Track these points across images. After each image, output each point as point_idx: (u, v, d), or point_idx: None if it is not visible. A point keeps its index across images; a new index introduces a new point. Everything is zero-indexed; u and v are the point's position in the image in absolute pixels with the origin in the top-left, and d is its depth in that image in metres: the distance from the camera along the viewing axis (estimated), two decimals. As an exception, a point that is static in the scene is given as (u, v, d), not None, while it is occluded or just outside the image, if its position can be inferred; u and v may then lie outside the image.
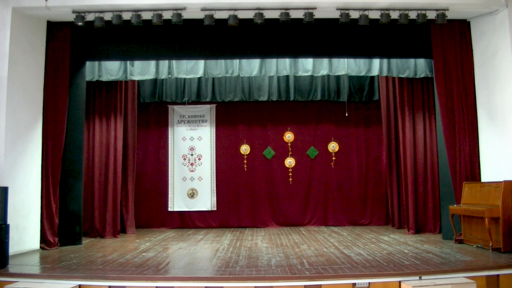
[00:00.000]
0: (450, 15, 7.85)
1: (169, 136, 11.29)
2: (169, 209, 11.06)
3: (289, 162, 11.32)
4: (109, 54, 8.84)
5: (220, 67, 9.62)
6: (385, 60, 9.47)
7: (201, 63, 9.53)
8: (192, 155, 11.27)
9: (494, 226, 6.99)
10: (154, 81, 10.81)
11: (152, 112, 11.32)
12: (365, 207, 11.07)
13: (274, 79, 10.86)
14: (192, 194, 11.14)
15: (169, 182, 11.10)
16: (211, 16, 7.56)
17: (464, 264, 6.03)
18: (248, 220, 11.09)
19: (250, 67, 9.64)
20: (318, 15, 7.70)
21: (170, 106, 11.28)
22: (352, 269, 5.84)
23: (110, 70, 9.39)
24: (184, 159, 11.24)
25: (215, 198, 11.12)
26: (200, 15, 7.63)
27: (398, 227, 10.16)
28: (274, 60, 9.60)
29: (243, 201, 11.14)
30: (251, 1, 7.54)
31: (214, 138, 11.30)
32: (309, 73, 9.78)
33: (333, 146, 11.30)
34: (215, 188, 11.15)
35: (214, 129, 11.30)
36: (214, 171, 11.14)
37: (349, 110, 11.13)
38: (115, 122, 9.97)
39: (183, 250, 7.66)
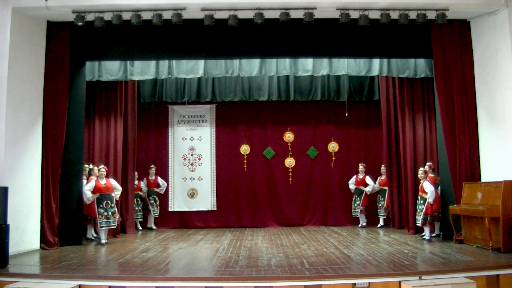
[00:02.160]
0: (450, 15, 7.85)
1: (169, 136, 11.31)
2: (169, 209, 11.08)
3: (289, 162, 11.32)
4: (109, 54, 8.84)
5: (220, 67, 9.62)
6: (385, 60, 9.47)
7: (201, 63, 9.53)
8: (192, 155, 11.28)
9: (494, 226, 6.98)
10: (154, 81, 10.82)
11: (152, 112, 11.33)
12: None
13: (274, 79, 10.87)
14: (192, 194, 11.14)
15: (169, 182, 11.11)
16: (211, 16, 7.56)
17: (464, 264, 6.02)
18: (248, 220, 11.09)
19: (250, 67, 9.64)
20: (318, 15, 7.69)
21: (170, 106, 11.29)
22: (352, 269, 5.84)
23: (110, 70, 9.39)
24: (184, 159, 11.25)
25: (215, 198, 11.12)
26: (200, 15, 7.63)
27: (398, 227, 10.15)
28: (274, 60, 9.61)
29: (243, 201, 11.14)
30: (251, 1, 7.53)
31: (214, 138, 11.31)
32: (309, 73, 9.79)
33: (333, 146, 11.31)
34: (215, 188, 11.16)
35: (214, 129, 11.31)
36: (214, 171, 11.15)
37: (349, 110, 11.13)
38: (115, 122, 9.96)
39: (183, 250, 7.67)
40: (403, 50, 8.78)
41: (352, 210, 10.81)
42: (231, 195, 11.16)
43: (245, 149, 11.32)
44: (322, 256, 6.79)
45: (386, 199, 10.39)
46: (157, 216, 10.79)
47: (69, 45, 8.18)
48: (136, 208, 10.40)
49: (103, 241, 8.33)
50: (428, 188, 8.26)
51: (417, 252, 7.00)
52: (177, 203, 11.01)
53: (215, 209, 11.13)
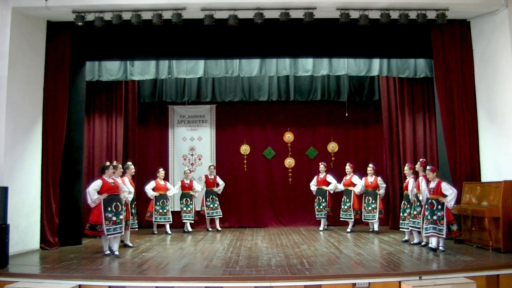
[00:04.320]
0: (450, 15, 7.85)
1: (169, 136, 11.31)
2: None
3: (289, 162, 11.32)
4: (109, 54, 8.84)
5: (220, 67, 9.63)
6: (385, 60, 9.49)
7: (201, 63, 9.55)
8: (192, 155, 11.28)
9: (494, 226, 6.98)
10: (154, 81, 10.81)
11: (152, 112, 11.32)
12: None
13: (274, 79, 10.86)
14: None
15: (169, 182, 11.06)
16: (211, 16, 7.56)
17: (464, 264, 6.02)
18: (248, 220, 11.10)
19: (250, 67, 9.65)
20: (318, 15, 7.70)
21: (170, 106, 11.29)
22: (352, 269, 5.85)
23: (110, 70, 9.41)
24: (185, 159, 11.25)
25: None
26: (200, 15, 7.64)
27: (398, 227, 10.14)
28: (274, 60, 9.62)
29: (243, 201, 11.14)
30: (251, 1, 7.53)
31: (214, 138, 11.31)
32: (309, 73, 9.81)
33: (332, 147, 11.30)
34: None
35: (214, 129, 11.31)
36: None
37: (349, 110, 11.11)
38: (115, 122, 9.99)
39: (183, 250, 7.66)
40: (403, 50, 8.78)
41: (316, 213, 10.10)
42: (231, 195, 11.15)
43: (245, 149, 11.33)
44: (322, 256, 6.79)
45: (352, 200, 9.71)
46: (220, 216, 10.37)
47: (69, 45, 8.18)
48: (184, 209, 10.05)
49: (116, 252, 7.09)
50: (449, 190, 6.86)
51: (417, 252, 6.99)
52: (177, 203, 10.98)
53: (215, 209, 11.13)
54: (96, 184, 7.10)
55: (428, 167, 7.17)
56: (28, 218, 7.66)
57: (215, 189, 10.42)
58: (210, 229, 10.42)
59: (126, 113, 10.28)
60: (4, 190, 6.61)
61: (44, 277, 5.73)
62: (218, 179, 10.52)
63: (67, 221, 8.21)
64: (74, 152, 8.41)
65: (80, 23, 7.59)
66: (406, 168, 8.37)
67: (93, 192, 6.99)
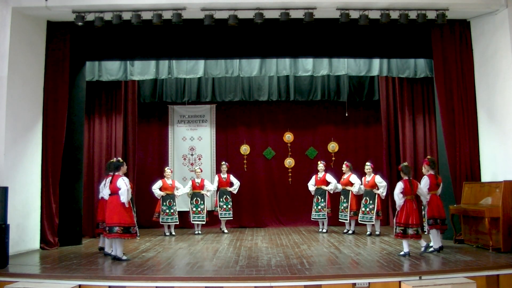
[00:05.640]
0: (450, 15, 7.85)
1: (169, 136, 11.31)
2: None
3: (289, 162, 11.32)
4: (109, 54, 8.84)
5: (220, 67, 9.64)
6: (385, 60, 9.50)
7: (201, 63, 9.55)
8: (192, 155, 11.28)
9: (494, 226, 6.98)
10: (154, 81, 10.81)
11: (152, 112, 11.32)
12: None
13: (274, 79, 10.86)
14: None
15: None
16: (211, 16, 7.56)
17: (464, 264, 6.03)
18: (248, 220, 11.10)
19: (250, 67, 9.66)
20: (318, 15, 7.70)
21: (170, 106, 11.29)
22: (352, 269, 5.85)
23: (110, 70, 9.42)
24: (184, 159, 11.25)
25: (215, 198, 11.10)
26: (200, 15, 7.64)
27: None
28: (274, 60, 9.63)
29: (243, 201, 11.13)
30: (251, 1, 7.54)
31: (214, 138, 11.31)
32: (309, 73, 9.82)
33: (332, 146, 11.30)
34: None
35: (214, 129, 11.31)
36: (214, 171, 11.14)
37: (349, 110, 11.11)
38: (115, 122, 9.99)
39: (183, 250, 7.67)
40: (403, 50, 8.78)
41: (314, 213, 9.73)
42: (231, 195, 11.14)
43: (245, 149, 11.33)
44: (322, 256, 6.79)
45: (350, 200, 9.32)
46: (230, 218, 10.13)
47: (69, 45, 8.18)
48: (194, 209, 9.79)
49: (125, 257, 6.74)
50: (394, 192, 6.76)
51: (417, 252, 6.98)
52: (177, 203, 10.99)
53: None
54: (128, 180, 6.70)
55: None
56: (28, 218, 7.66)
57: (229, 188, 10.12)
58: (225, 231, 10.16)
59: (126, 113, 10.28)
60: (4, 190, 6.62)
61: (44, 277, 5.73)
62: (232, 178, 10.17)
63: (67, 221, 8.21)
64: (74, 152, 8.41)
65: (80, 23, 7.59)
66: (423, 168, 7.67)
67: (129, 186, 6.58)
